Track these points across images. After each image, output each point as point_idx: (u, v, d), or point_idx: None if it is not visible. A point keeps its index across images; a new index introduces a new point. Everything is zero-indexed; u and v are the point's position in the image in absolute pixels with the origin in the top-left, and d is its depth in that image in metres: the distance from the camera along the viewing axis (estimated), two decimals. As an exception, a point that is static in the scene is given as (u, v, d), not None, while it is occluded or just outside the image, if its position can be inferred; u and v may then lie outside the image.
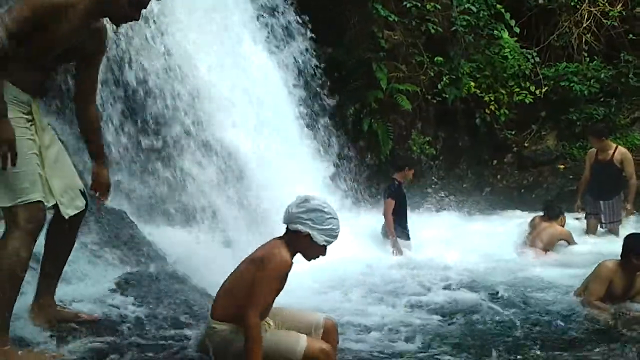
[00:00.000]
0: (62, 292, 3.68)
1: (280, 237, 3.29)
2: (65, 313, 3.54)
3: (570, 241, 7.95)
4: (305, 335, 3.24)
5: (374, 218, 8.32)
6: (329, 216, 3.21)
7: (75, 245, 3.55)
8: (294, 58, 9.29)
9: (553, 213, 7.95)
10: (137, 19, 3.25)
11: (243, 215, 6.65)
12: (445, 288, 6.01)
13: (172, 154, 6.52)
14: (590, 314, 5.10)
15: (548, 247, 7.65)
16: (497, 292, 5.87)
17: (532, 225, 8.11)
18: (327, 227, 3.20)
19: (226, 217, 6.41)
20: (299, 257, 3.29)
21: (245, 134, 7.36)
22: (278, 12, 8.90)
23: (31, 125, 3.10)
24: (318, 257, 3.28)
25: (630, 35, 11.53)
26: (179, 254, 5.31)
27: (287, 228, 3.26)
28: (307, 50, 9.37)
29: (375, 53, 10.51)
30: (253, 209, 6.89)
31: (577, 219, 8.86)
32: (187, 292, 4.44)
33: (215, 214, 6.36)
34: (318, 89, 9.78)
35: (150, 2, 3.24)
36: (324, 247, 3.23)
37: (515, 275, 6.65)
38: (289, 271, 3.24)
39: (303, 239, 3.20)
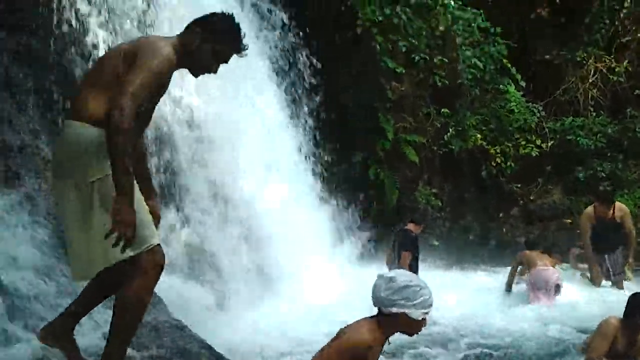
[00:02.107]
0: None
1: (371, 318, 3.09)
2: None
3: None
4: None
5: (379, 269, 8.20)
6: (419, 288, 3.02)
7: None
8: (307, 108, 9.38)
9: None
10: (215, 72, 3.21)
11: (244, 265, 6.56)
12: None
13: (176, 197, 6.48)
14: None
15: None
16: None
17: (524, 260, 8.05)
18: (420, 300, 3.00)
19: (226, 267, 6.31)
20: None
21: (253, 181, 7.33)
22: (292, 64, 8.99)
23: None
24: (420, 330, 3.11)
25: (636, 91, 11.62)
26: (177, 302, 5.18)
27: (379, 310, 3.08)
28: (317, 99, 9.46)
29: (382, 103, 10.58)
30: (255, 260, 6.82)
31: (582, 274, 8.79)
32: (185, 340, 4.31)
33: (215, 263, 6.26)
34: (324, 137, 9.81)
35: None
36: (424, 319, 3.08)
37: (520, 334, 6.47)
38: (368, 352, 3.01)
39: (401, 319, 3.04)
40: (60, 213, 3.27)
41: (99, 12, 6.40)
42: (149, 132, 6.11)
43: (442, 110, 11.13)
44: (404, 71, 10.66)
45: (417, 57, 10.69)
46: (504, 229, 11.60)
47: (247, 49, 3.19)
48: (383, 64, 10.36)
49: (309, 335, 5.64)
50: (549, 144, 11.51)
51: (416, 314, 2.99)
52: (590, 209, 8.67)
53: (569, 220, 11.23)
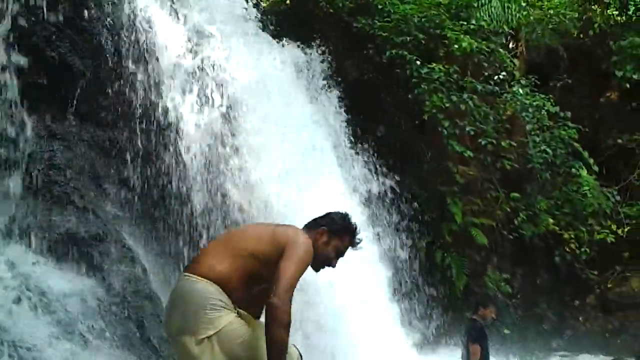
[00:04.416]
0: None
1: None
2: None
3: None
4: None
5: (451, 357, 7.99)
6: None
7: None
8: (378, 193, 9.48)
9: None
10: (334, 267, 3.55)
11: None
12: None
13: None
14: None
15: None
16: None
17: None
18: None
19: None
20: None
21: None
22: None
23: None
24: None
25: None
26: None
27: None
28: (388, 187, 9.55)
29: (450, 187, 10.57)
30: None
31: None
32: None
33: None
34: (394, 220, 9.82)
35: None
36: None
37: None
38: None
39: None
40: None
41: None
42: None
43: (512, 194, 10.98)
44: (472, 155, 10.66)
45: (484, 141, 10.70)
46: (580, 318, 11.10)
47: (361, 241, 3.58)
48: (450, 148, 10.42)
49: None
50: (625, 229, 11.09)
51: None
52: None
53: (650, 310, 10.66)
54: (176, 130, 6.62)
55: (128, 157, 6.14)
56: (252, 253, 3.24)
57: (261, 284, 3.22)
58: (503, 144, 10.98)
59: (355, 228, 3.56)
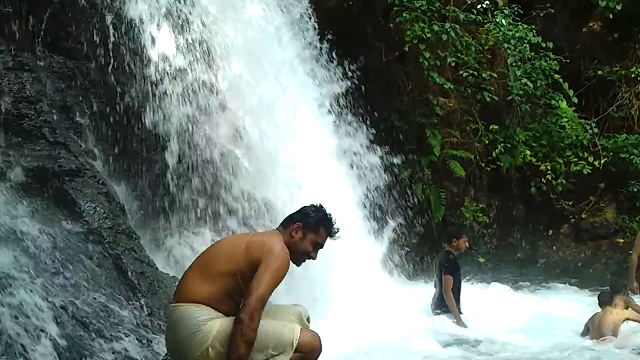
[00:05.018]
0: None
1: None
2: None
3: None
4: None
5: (422, 289, 8.17)
6: None
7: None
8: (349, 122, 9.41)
9: (604, 299, 7.49)
10: (315, 259, 3.61)
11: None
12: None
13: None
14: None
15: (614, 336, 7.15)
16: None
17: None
18: None
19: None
20: None
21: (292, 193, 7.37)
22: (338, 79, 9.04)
23: None
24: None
25: (695, 109, 11.23)
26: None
27: None
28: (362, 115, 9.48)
29: (430, 119, 10.53)
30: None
31: None
32: None
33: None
34: (372, 151, 9.81)
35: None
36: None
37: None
38: None
39: None
40: None
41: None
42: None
43: (491, 126, 10.98)
44: (452, 88, 10.58)
45: (465, 73, 10.60)
46: (554, 248, 11.36)
47: (339, 230, 3.64)
48: (431, 80, 10.32)
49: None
50: (602, 162, 11.20)
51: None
52: None
53: (622, 240, 10.91)
54: (150, 60, 6.40)
55: (101, 89, 5.97)
56: (228, 273, 3.37)
57: (244, 295, 3.34)
58: (484, 75, 10.89)
59: (331, 219, 3.61)
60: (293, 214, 3.65)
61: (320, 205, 3.67)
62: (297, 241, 3.50)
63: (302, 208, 3.68)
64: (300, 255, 3.54)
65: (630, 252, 10.25)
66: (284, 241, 3.46)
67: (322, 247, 3.61)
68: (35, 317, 3.87)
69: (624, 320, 7.19)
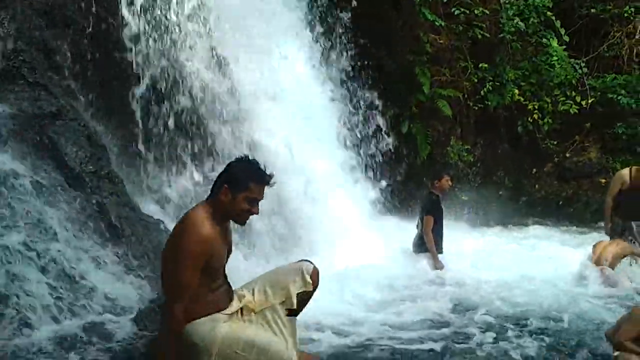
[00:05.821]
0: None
1: None
2: None
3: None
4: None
5: (405, 227, 8.27)
6: None
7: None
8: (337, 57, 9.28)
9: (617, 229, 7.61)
10: (257, 213, 3.44)
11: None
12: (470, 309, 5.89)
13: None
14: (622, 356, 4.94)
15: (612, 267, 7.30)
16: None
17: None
18: None
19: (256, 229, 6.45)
20: None
21: (281, 131, 7.33)
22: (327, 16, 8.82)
23: None
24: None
25: (686, 50, 11.14)
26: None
27: None
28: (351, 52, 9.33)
29: (420, 56, 10.38)
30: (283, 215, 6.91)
31: None
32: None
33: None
34: (358, 89, 9.73)
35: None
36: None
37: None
38: None
39: None
40: None
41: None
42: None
43: (481, 64, 10.86)
44: (443, 24, 10.38)
45: (456, 10, 10.38)
46: (537, 186, 11.48)
47: (273, 176, 3.42)
48: (422, 16, 10.11)
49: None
50: (589, 101, 11.18)
51: None
52: (626, 170, 8.31)
53: (603, 180, 11.03)
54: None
55: (80, 26, 5.79)
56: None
57: (206, 279, 3.32)
58: (476, 11, 10.68)
59: (258, 169, 3.41)
60: (219, 175, 3.45)
61: (245, 157, 3.50)
62: (227, 204, 3.34)
63: (227, 166, 3.50)
64: (238, 215, 3.40)
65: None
66: (209, 211, 3.33)
67: (259, 199, 3.41)
68: (18, 262, 3.91)
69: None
